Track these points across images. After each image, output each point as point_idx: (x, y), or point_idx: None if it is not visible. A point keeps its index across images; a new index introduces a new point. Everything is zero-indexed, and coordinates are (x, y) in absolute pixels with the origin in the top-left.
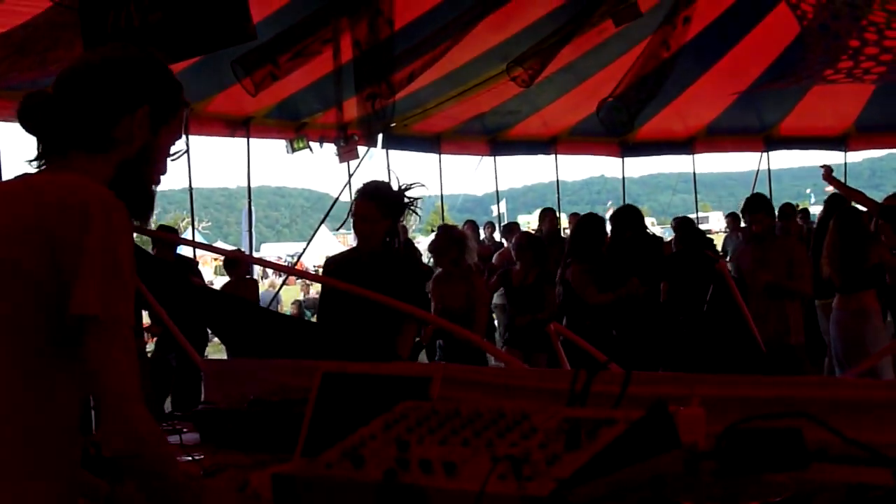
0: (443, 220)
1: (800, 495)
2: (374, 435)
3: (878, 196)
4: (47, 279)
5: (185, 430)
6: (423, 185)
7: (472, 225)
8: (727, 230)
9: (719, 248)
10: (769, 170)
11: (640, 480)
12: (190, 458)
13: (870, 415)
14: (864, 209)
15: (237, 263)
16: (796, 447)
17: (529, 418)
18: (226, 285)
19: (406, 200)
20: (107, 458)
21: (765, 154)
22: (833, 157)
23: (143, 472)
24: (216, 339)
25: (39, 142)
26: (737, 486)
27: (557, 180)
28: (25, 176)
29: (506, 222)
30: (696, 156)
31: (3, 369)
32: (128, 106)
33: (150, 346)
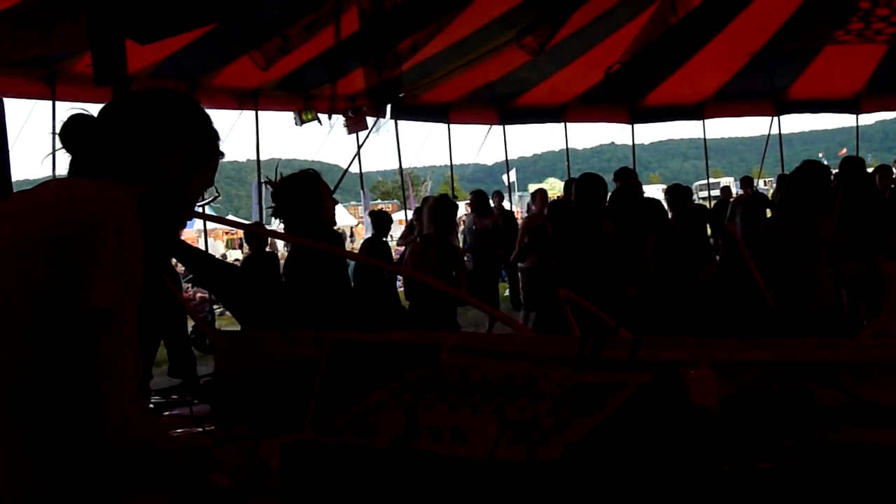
0: (452, 189)
1: (811, 456)
2: (383, 403)
3: (892, 158)
4: (58, 284)
5: (195, 401)
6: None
7: (481, 195)
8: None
9: (728, 212)
10: (780, 134)
11: (650, 443)
12: (200, 429)
13: (882, 376)
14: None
15: (255, 236)
16: (807, 408)
17: (538, 383)
18: (247, 258)
19: None
20: None
21: (776, 118)
22: (845, 120)
23: (147, 466)
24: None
25: (74, 161)
26: (749, 447)
27: (567, 148)
28: (51, 182)
29: (517, 192)
30: (706, 121)
31: None
32: (168, 142)
33: None
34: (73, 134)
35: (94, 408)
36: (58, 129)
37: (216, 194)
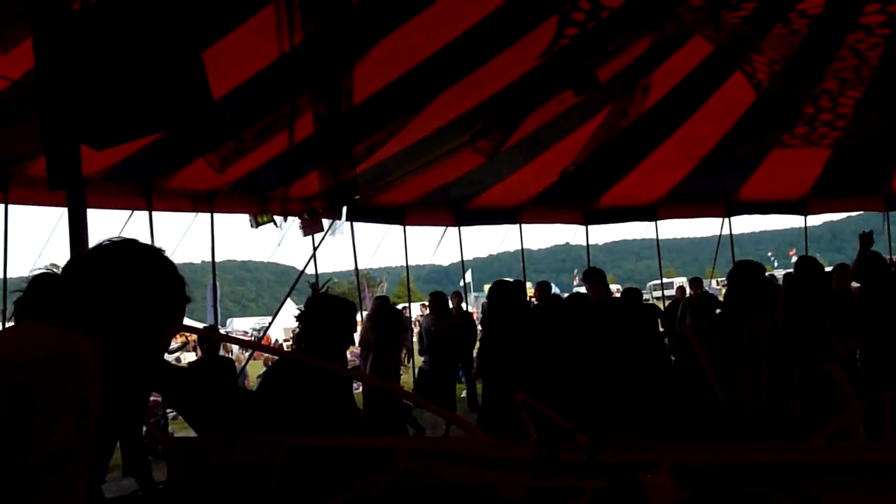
0: (409, 291)
1: None
2: None
3: (839, 258)
4: (13, 422)
5: None
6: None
7: (440, 296)
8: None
9: (678, 312)
10: (731, 234)
11: None
12: None
13: (836, 479)
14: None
15: (208, 340)
16: None
17: (495, 491)
18: (198, 361)
19: None
20: None
21: (726, 219)
22: (793, 222)
23: None
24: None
25: (40, 315)
26: None
27: (522, 249)
28: (22, 325)
29: (473, 292)
30: (658, 222)
31: None
32: (135, 299)
33: None
34: (37, 293)
35: None
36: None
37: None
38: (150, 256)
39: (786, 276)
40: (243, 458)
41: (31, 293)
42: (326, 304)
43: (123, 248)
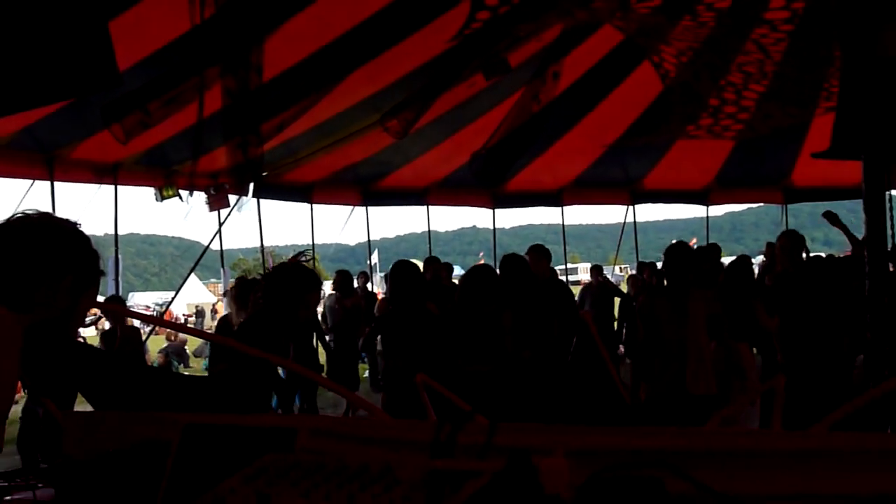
0: (314, 269)
1: None
2: (234, 489)
3: (739, 249)
4: None
5: (39, 484)
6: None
7: (345, 275)
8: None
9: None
10: (635, 222)
11: None
12: None
13: (732, 464)
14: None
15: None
16: (657, 497)
17: (393, 470)
18: (106, 332)
19: None
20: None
21: (631, 207)
22: (695, 211)
23: None
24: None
25: None
26: None
27: (429, 231)
28: None
29: (379, 273)
30: (564, 208)
31: None
32: (52, 274)
33: (20, 396)
34: None
35: None
36: None
37: (98, 316)
38: (66, 231)
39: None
40: (140, 434)
41: None
42: (294, 272)
43: (39, 222)
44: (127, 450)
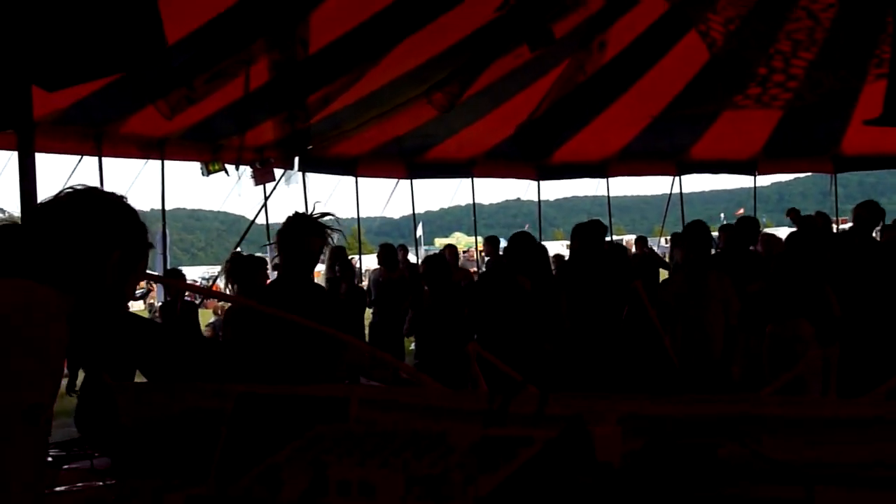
0: (360, 243)
1: None
2: (291, 457)
3: (787, 220)
4: None
5: (96, 454)
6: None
7: (388, 248)
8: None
9: None
10: (681, 193)
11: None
12: (101, 483)
13: (783, 432)
14: None
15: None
16: (709, 464)
17: (447, 438)
18: (164, 305)
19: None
20: None
21: (677, 178)
22: (742, 182)
23: None
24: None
25: (3, 271)
26: (652, 502)
27: (474, 203)
28: None
29: (423, 246)
30: (610, 179)
31: None
32: (101, 249)
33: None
34: (3, 241)
35: None
36: None
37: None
38: (113, 204)
39: (722, 227)
40: (194, 405)
41: None
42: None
43: (88, 196)
44: (181, 420)
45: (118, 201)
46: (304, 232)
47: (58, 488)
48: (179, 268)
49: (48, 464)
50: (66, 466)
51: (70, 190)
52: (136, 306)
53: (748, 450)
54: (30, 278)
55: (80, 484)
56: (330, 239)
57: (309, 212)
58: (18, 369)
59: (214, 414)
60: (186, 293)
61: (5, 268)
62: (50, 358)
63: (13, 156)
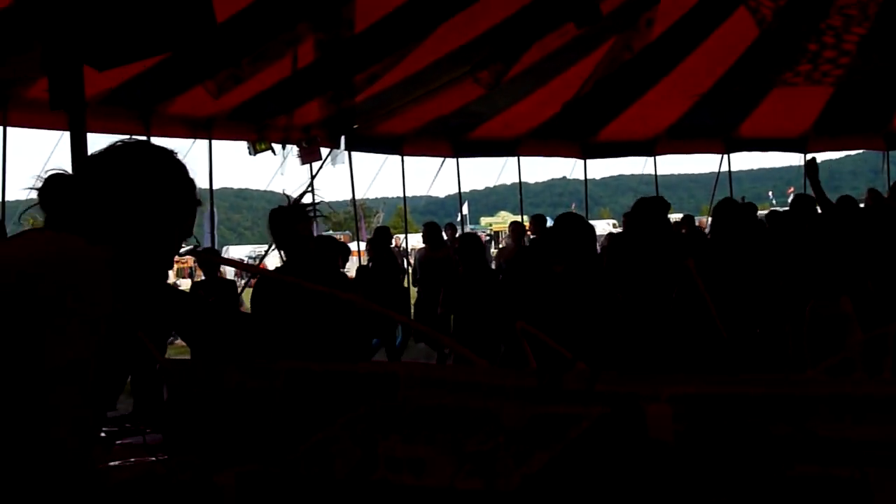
0: (406, 221)
1: (769, 489)
2: (340, 433)
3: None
4: (18, 331)
5: (148, 430)
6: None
7: (433, 227)
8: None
9: None
10: (730, 171)
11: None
12: (154, 459)
13: (833, 411)
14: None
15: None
16: (765, 443)
17: (497, 415)
18: (200, 282)
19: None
20: None
21: (725, 156)
22: (792, 159)
23: None
24: (179, 342)
25: (50, 220)
26: (706, 480)
27: (520, 182)
28: (27, 232)
29: (469, 225)
30: (657, 158)
31: None
32: (148, 201)
33: None
34: (51, 193)
35: (38, 455)
36: (38, 185)
37: (196, 242)
38: (164, 157)
39: (770, 214)
40: (243, 381)
41: (42, 194)
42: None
43: (138, 147)
44: (230, 396)
45: (168, 155)
46: (292, 220)
47: (111, 462)
48: (226, 246)
49: (101, 439)
50: (118, 442)
51: (120, 143)
52: (184, 284)
53: (800, 429)
54: (76, 227)
55: (132, 459)
56: (315, 222)
57: (294, 199)
58: (58, 325)
59: (265, 391)
60: (228, 272)
61: (54, 217)
62: (90, 313)
63: (63, 136)
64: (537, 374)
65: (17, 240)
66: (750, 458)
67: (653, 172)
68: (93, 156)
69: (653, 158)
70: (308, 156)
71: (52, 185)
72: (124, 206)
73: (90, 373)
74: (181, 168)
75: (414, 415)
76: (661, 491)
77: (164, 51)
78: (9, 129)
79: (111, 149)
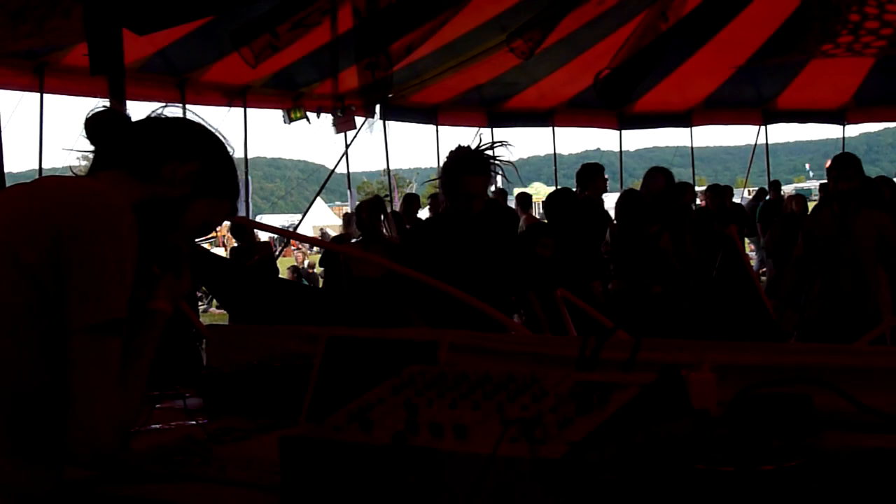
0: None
1: (812, 461)
2: (382, 398)
3: (875, 171)
4: (47, 274)
5: (188, 394)
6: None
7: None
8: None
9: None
10: (766, 143)
11: (652, 444)
12: (194, 423)
13: (881, 381)
14: None
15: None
16: (807, 413)
17: (540, 382)
18: (237, 248)
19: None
20: None
21: (762, 128)
22: (830, 132)
23: (111, 471)
24: (213, 310)
25: (95, 154)
26: (750, 450)
27: (555, 153)
28: (60, 176)
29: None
30: (693, 129)
31: None
32: (184, 152)
33: None
34: (95, 127)
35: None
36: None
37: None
38: (212, 133)
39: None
40: (282, 347)
41: (89, 125)
42: None
43: (190, 119)
44: (271, 361)
45: (216, 132)
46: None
47: (152, 426)
48: (260, 215)
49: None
50: (158, 405)
51: (160, 110)
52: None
53: (844, 399)
54: (110, 161)
55: (173, 423)
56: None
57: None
58: (91, 280)
59: (304, 357)
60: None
61: (98, 152)
62: (121, 268)
63: (100, 104)
64: (577, 342)
65: (45, 188)
66: (796, 428)
67: (688, 144)
68: (154, 111)
69: (689, 130)
70: (343, 125)
71: (101, 117)
72: (161, 146)
73: (123, 331)
74: (226, 152)
75: (457, 380)
76: (703, 460)
77: (205, 15)
78: (45, 95)
79: (152, 112)
